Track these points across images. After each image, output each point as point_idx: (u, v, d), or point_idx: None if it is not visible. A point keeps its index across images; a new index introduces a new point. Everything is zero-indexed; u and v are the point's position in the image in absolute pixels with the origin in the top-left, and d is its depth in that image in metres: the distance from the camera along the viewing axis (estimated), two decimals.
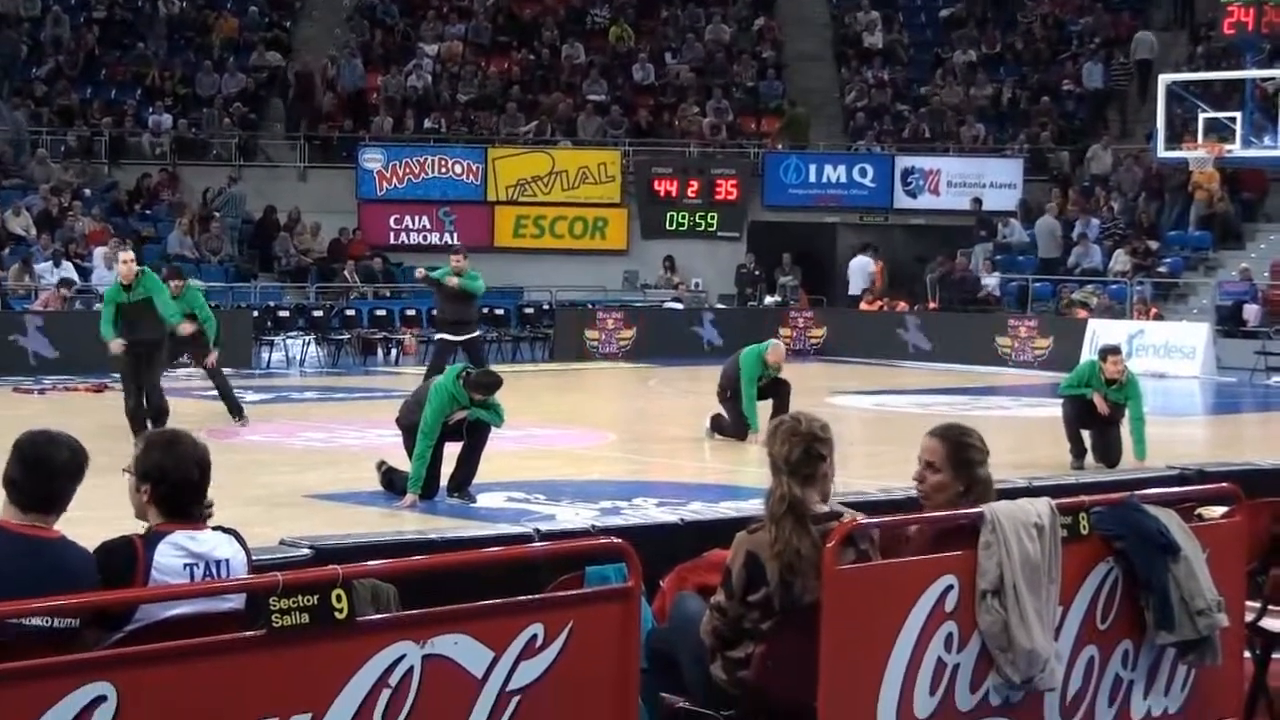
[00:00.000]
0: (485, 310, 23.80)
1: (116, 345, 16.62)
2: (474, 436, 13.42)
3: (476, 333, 20.39)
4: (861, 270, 34.19)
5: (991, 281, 32.67)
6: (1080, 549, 6.18)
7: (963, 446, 6.15)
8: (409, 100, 37.51)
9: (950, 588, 5.75)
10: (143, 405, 16.51)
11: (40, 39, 37.33)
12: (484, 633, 4.88)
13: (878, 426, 19.45)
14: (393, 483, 13.51)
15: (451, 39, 39.15)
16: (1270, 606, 7.41)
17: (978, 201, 34.71)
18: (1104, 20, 39.23)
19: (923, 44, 40.21)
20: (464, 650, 4.83)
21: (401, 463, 13.46)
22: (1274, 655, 7.39)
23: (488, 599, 5.02)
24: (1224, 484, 7.25)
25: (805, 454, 5.85)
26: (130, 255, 17.39)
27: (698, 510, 12.41)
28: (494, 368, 18.53)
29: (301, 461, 16.18)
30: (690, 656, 5.99)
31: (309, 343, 29.13)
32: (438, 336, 20.57)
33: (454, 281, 19.67)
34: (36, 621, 4.63)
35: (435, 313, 21.68)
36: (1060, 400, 16.68)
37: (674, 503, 13.24)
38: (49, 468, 5.10)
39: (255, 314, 28.79)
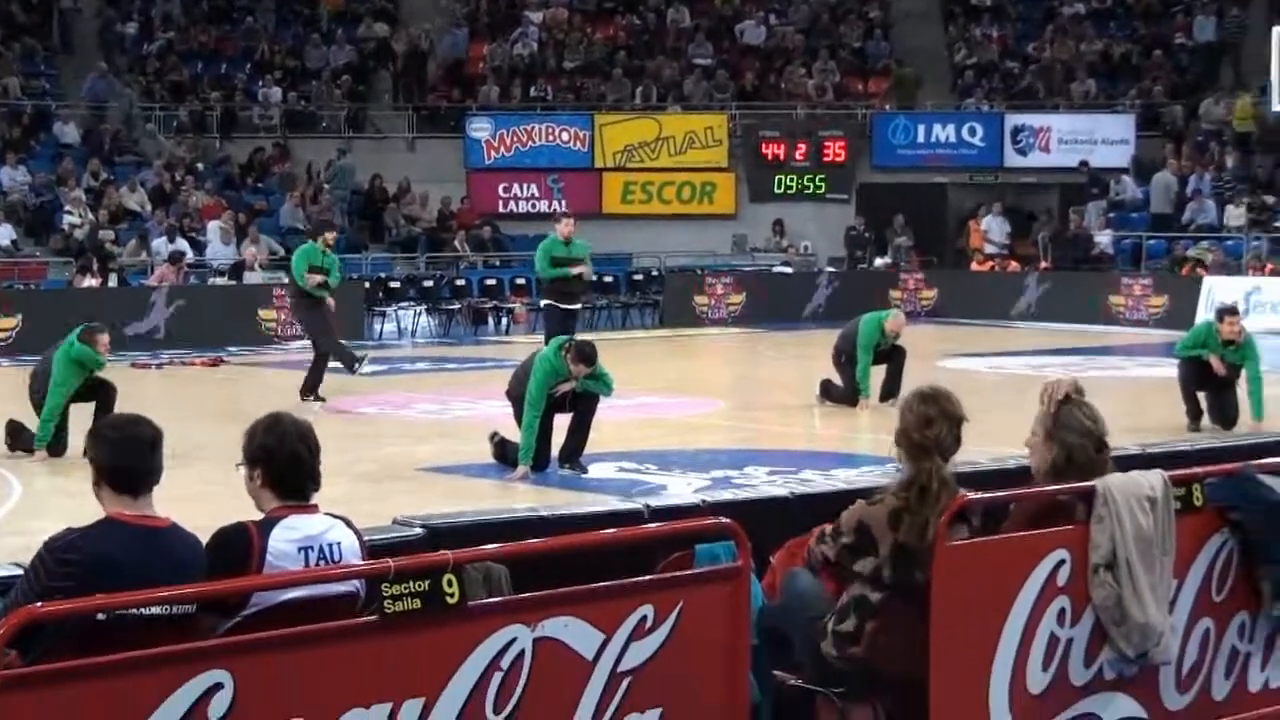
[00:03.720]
0: (595, 276, 23.62)
1: None
2: (582, 407, 13.47)
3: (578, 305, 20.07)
4: (999, 229, 33.98)
5: (1104, 239, 32.32)
6: (1194, 521, 6.14)
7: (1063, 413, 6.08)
8: (515, 69, 37.61)
9: (1062, 562, 5.73)
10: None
11: (150, 15, 37.73)
12: (594, 615, 4.91)
13: (991, 391, 19.30)
14: (505, 454, 13.56)
15: (557, 6, 39.18)
16: None
17: (1084, 164, 34.27)
18: None
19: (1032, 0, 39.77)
20: (574, 632, 4.86)
21: (513, 433, 13.52)
22: None
23: (598, 575, 5.05)
24: None
25: (954, 437, 5.86)
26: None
27: (809, 480, 12.46)
28: (604, 334, 18.57)
29: (414, 433, 16.30)
30: (802, 634, 5.99)
31: (420, 313, 29.33)
32: (545, 304, 20.20)
33: (582, 270, 19.26)
34: (155, 609, 4.70)
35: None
36: (1177, 362, 16.51)
37: (785, 471, 13.25)
38: (139, 444, 5.18)
39: (367, 285, 28.98)
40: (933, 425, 5.85)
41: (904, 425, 5.94)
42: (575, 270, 19.03)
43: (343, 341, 19.39)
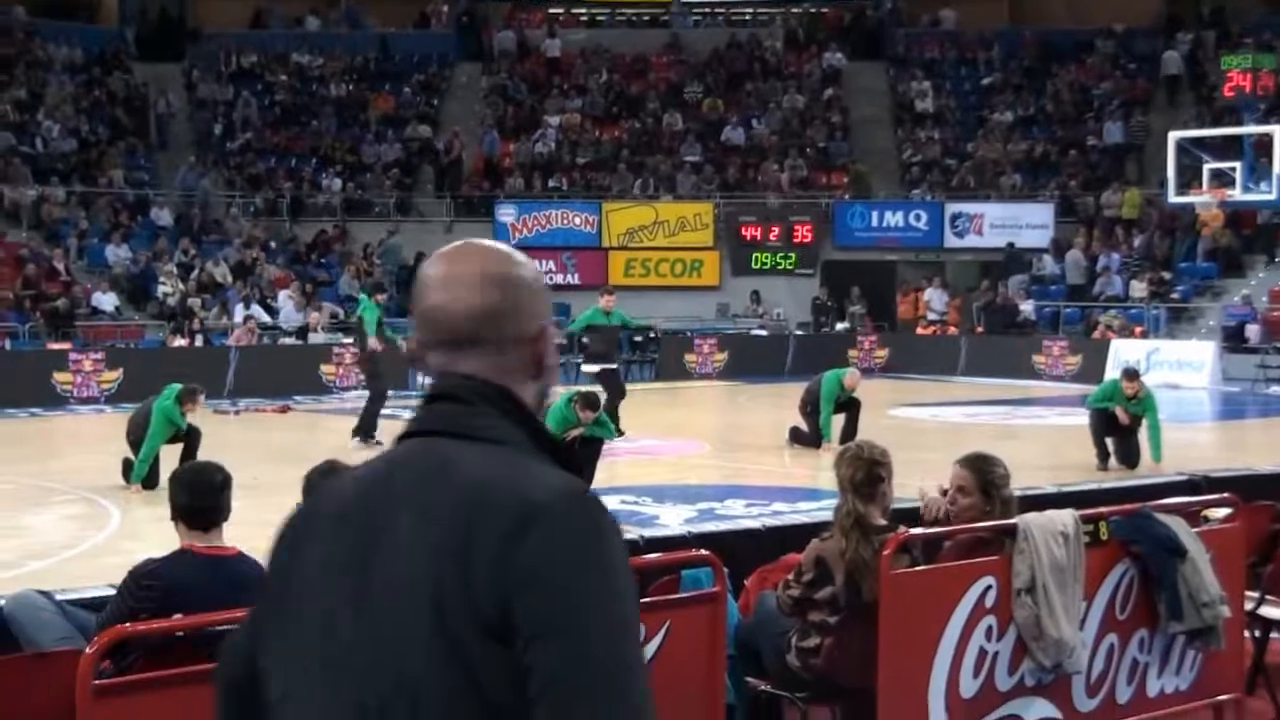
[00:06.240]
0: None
1: None
2: (589, 449, 13.44)
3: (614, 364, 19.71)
4: (939, 300, 33.96)
5: (1028, 308, 32.33)
6: (1101, 552, 6.11)
7: (988, 474, 6.07)
8: (536, 164, 37.70)
9: (989, 587, 5.71)
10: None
11: (233, 119, 37.92)
12: None
13: (932, 435, 19.26)
14: None
15: (571, 111, 39.31)
16: (1268, 596, 7.29)
17: (1011, 245, 34.32)
18: (1122, 85, 38.72)
19: (967, 108, 39.82)
20: None
21: None
22: (1272, 637, 7.27)
23: None
24: (1226, 494, 7.15)
25: (867, 476, 5.81)
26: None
27: (779, 511, 12.40)
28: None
29: None
30: (770, 647, 5.97)
31: None
32: (591, 369, 19.46)
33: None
34: (225, 626, 4.69)
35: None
36: (1088, 412, 16.48)
37: (760, 503, 13.20)
38: (210, 488, 5.17)
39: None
40: (841, 465, 5.89)
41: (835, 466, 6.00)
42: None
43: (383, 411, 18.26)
